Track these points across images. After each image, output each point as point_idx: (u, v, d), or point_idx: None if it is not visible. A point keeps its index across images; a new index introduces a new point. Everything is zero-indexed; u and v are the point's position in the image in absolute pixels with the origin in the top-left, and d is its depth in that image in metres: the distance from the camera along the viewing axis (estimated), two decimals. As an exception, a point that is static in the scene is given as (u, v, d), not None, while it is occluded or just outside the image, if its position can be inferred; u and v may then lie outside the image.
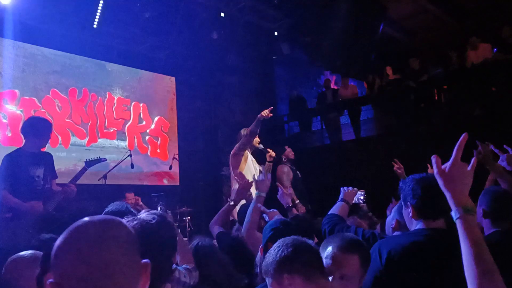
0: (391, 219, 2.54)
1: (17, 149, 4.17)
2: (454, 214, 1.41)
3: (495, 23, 8.40)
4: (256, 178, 3.30)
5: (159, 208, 6.75)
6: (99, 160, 4.59)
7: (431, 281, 1.92)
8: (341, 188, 3.03)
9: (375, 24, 7.94)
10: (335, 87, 10.84)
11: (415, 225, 2.13)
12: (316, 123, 10.33)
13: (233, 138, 5.51)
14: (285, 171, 6.45)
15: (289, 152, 6.71)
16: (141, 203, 6.69)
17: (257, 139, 5.43)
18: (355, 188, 3.06)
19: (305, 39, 9.08)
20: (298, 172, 6.62)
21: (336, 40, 7.73)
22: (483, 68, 7.88)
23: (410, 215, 2.13)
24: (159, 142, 8.86)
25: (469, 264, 1.34)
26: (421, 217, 2.10)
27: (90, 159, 4.54)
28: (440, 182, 1.46)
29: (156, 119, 8.89)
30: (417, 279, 1.93)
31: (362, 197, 3.24)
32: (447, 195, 1.44)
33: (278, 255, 1.63)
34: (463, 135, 1.47)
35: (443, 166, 1.45)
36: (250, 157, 5.39)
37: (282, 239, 1.70)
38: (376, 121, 9.70)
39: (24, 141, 4.12)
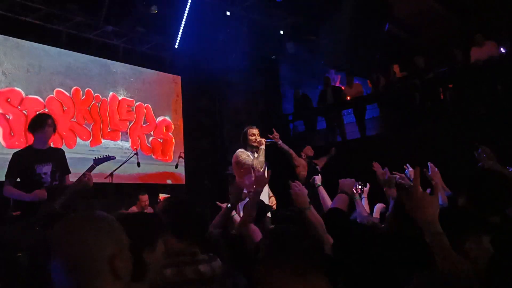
0: None
1: (26, 146, 4.22)
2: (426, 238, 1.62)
3: (500, 20, 8.37)
4: (256, 174, 3.28)
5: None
6: (108, 158, 4.54)
7: None
8: (339, 180, 2.95)
9: (380, 22, 7.92)
10: (339, 85, 10.86)
11: None
12: (321, 122, 10.33)
13: (238, 137, 5.46)
14: (303, 164, 6.84)
15: (307, 149, 7.14)
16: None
17: (253, 137, 5.23)
18: (352, 179, 2.98)
19: (310, 37, 9.08)
20: (317, 167, 7.05)
21: (341, 38, 7.71)
22: (488, 66, 7.86)
23: None
24: (163, 143, 8.89)
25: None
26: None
27: (99, 157, 4.51)
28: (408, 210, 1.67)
29: (160, 120, 8.92)
30: None
31: (359, 186, 3.20)
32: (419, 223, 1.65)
33: None
34: (416, 168, 1.73)
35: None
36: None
37: None
38: (381, 119, 9.69)
39: (33, 139, 4.17)
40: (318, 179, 3.73)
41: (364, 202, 4.08)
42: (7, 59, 7.13)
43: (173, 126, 9.07)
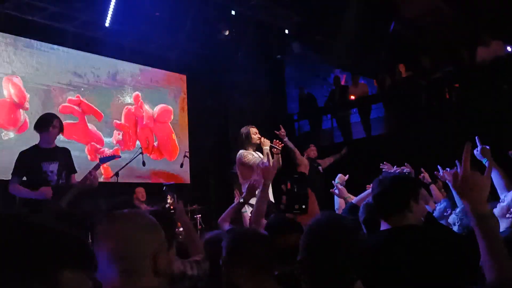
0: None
1: (33, 145, 4.24)
2: (471, 222, 1.46)
3: (506, 20, 8.33)
4: (260, 165, 3.20)
5: (168, 200, 6.84)
6: (113, 157, 4.60)
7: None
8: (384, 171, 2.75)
9: (386, 22, 7.92)
10: (346, 85, 10.84)
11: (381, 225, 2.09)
12: (326, 122, 10.32)
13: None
14: (305, 163, 6.62)
15: (310, 150, 6.99)
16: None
17: (256, 136, 5.00)
18: (397, 169, 2.71)
19: (316, 37, 9.07)
20: (320, 168, 6.97)
21: (347, 38, 7.72)
22: (494, 66, 7.83)
23: None
24: (169, 141, 8.93)
25: (487, 264, 1.40)
26: (380, 216, 2.07)
27: (104, 156, 4.56)
28: (456, 193, 1.56)
29: (166, 117, 8.96)
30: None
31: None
32: (465, 205, 1.50)
33: None
34: (467, 145, 1.53)
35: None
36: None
37: None
38: (387, 119, 9.67)
39: (39, 138, 4.20)
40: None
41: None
42: (17, 58, 7.19)
43: (180, 124, 9.11)
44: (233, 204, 3.45)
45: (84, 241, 0.90)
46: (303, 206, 1.77)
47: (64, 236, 0.85)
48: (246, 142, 5.03)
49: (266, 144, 4.96)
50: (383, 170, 3.86)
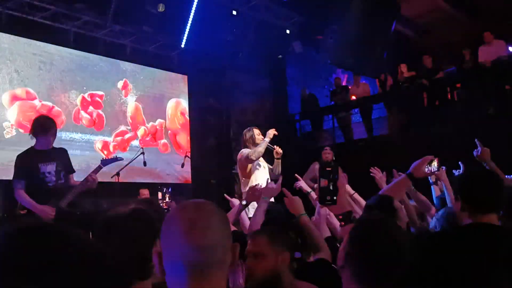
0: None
1: (28, 148, 4.19)
2: None
3: (509, 20, 8.30)
4: (269, 185, 3.35)
5: (167, 198, 6.82)
6: (115, 159, 4.58)
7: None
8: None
9: (388, 22, 7.89)
10: (345, 85, 10.82)
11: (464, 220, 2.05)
12: (327, 122, 10.31)
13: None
14: (315, 168, 6.44)
15: (325, 153, 6.88)
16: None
17: (260, 136, 5.10)
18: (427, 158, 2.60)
19: (317, 37, 9.06)
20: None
21: (348, 38, 7.69)
22: (497, 66, 7.80)
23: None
24: (171, 140, 8.94)
25: None
26: (469, 211, 2.01)
27: (106, 158, 4.54)
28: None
29: (168, 117, 8.96)
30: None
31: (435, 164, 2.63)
32: None
33: None
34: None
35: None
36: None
37: None
38: (389, 119, 9.65)
39: (35, 140, 4.14)
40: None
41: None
42: (20, 57, 7.20)
43: (181, 123, 9.12)
44: (234, 207, 3.46)
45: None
46: (334, 198, 1.81)
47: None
48: (249, 142, 5.05)
49: (270, 135, 4.98)
50: (371, 174, 3.85)
